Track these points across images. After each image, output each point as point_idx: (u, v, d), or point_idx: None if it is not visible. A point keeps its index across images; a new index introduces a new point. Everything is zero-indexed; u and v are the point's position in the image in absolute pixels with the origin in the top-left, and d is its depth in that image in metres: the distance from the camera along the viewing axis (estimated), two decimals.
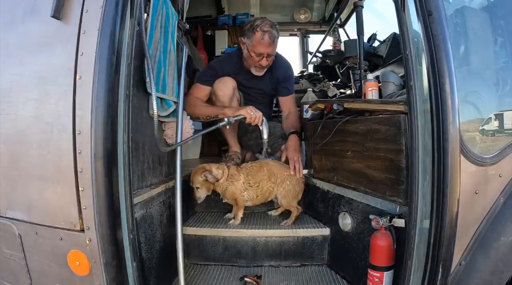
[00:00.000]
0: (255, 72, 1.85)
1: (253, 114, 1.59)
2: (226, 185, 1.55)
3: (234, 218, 1.59)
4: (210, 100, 1.86)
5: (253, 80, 1.91)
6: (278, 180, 1.57)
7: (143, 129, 1.26)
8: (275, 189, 1.57)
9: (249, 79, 1.90)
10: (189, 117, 1.65)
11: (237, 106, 1.82)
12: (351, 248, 1.32)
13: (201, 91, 1.85)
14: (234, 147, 2.01)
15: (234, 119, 1.57)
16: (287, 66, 2.02)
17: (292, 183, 1.58)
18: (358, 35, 2.22)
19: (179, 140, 1.36)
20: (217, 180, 1.53)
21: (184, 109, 1.71)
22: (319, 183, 1.61)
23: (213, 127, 1.50)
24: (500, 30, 1.08)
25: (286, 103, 2.00)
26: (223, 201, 1.64)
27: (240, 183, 1.54)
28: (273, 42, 1.72)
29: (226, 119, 1.54)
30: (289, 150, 1.68)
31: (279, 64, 1.94)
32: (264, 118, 1.64)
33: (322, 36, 3.52)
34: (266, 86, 1.97)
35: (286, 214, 1.65)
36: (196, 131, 1.64)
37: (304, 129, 1.93)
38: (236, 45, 3.53)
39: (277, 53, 1.92)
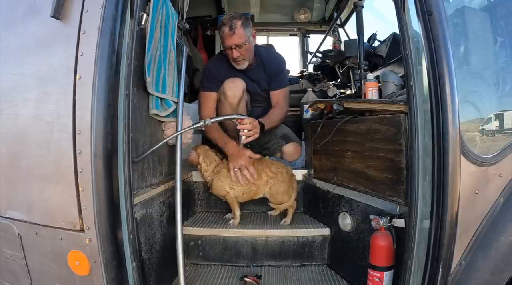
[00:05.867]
0: (237, 66, 1.79)
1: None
2: (211, 180, 1.56)
3: (233, 218, 1.59)
4: (218, 100, 1.82)
5: (252, 82, 1.89)
6: (264, 177, 1.55)
7: (143, 129, 1.26)
8: (260, 187, 1.56)
9: (249, 81, 1.87)
10: (189, 117, 1.64)
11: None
12: (351, 248, 1.32)
13: (208, 99, 1.81)
14: None
15: (212, 121, 1.45)
16: (279, 61, 1.95)
17: (279, 183, 1.55)
18: (358, 35, 2.21)
19: (179, 140, 1.36)
20: (196, 165, 1.59)
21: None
22: (319, 183, 1.61)
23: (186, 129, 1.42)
24: (500, 30, 1.08)
25: (275, 96, 1.92)
26: (209, 190, 1.63)
27: (225, 181, 1.55)
28: (234, 33, 1.64)
29: (202, 122, 1.42)
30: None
31: (272, 60, 1.89)
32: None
33: (322, 36, 3.51)
34: (266, 85, 1.96)
35: (285, 213, 1.64)
36: (195, 132, 1.63)
37: (304, 129, 1.92)
38: None
39: (270, 49, 1.86)
